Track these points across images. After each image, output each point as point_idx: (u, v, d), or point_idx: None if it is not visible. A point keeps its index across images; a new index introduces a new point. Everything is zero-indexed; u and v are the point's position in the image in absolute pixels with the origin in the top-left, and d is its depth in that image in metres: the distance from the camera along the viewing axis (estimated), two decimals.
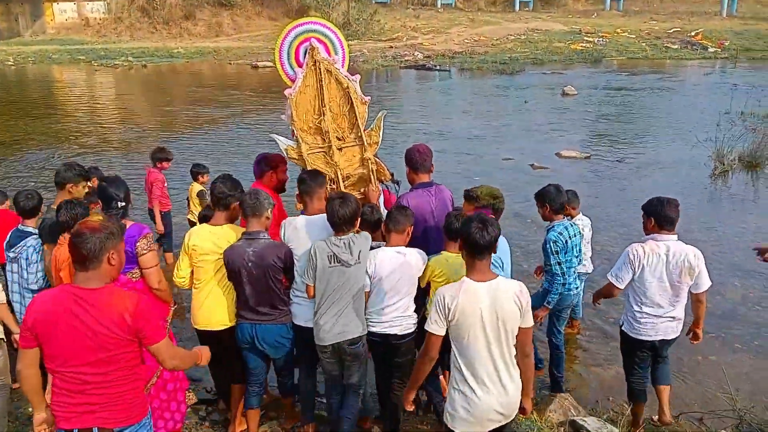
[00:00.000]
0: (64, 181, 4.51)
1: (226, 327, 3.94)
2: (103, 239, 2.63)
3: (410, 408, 3.36)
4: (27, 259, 4.32)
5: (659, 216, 4.02)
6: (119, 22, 38.50)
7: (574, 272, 4.79)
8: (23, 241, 4.38)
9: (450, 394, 3.17)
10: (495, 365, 3.02)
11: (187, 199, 7.49)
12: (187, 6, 37.92)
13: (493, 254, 3.13)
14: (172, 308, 3.82)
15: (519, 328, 3.03)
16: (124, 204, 3.70)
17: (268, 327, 3.88)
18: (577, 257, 4.78)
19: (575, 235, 4.69)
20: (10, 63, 29.17)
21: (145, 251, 3.60)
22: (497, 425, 3.14)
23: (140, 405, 2.79)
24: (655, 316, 4.12)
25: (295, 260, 3.90)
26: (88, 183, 4.80)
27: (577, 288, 4.92)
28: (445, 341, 4.05)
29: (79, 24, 38.92)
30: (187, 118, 17.10)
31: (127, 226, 3.55)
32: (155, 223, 7.29)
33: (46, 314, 2.61)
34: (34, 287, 4.28)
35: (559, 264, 4.55)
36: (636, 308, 4.15)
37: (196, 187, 7.28)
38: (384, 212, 4.57)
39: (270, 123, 15.50)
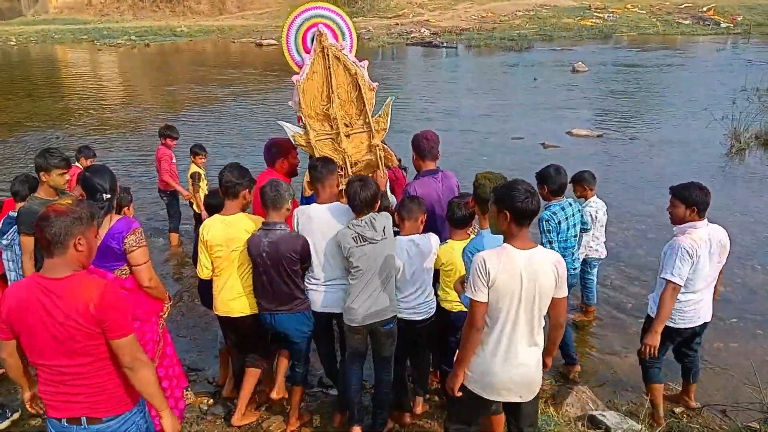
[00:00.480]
0: (37, 169, 4.21)
1: (244, 315, 3.94)
2: (69, 224, 2.45)
3: (459, 394, 3.15)
4: (20, 245, 4.14)
5: (702, 204, 3.89)
6: (122, 1, 38.13)
7: (572, 254, 4.68)
8: (13, 227, 4.19)
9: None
10: (520, 336, 2.96)
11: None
12: None
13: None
14: (167, 304, 3.57)
15: (553, 298, 2.99)
16: (109, 196, 3.43)
17: (284, 317, 3.89)
18: (575, 237, 4.68)
19: (572, 215, 4.60)
20: (12, 43, 28.92)
21: (134, 248, 3.32)
22: (516, 399, 3.07)
23: (123, 395, 2.63)
24: (699, 301, 4.03)
25: (311, 250, 3.87)
26: (76, 165, 4.52)
27: (575, 269, 4.78)
28: (438, 335, 4.08)
29: (82, 3, 38.58)
30: (190, 97, 16.87)
31: (114, 221, 3.32)
32: (178, 197, 7.26)
33: (18, 304, 2.49)
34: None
35: (550, 243, 4.45)
36: (681, 298, 3.99)
37: (192, 168, 7.15)
38: (391, 196, 4.53)
39: (273, 102, 15.28)
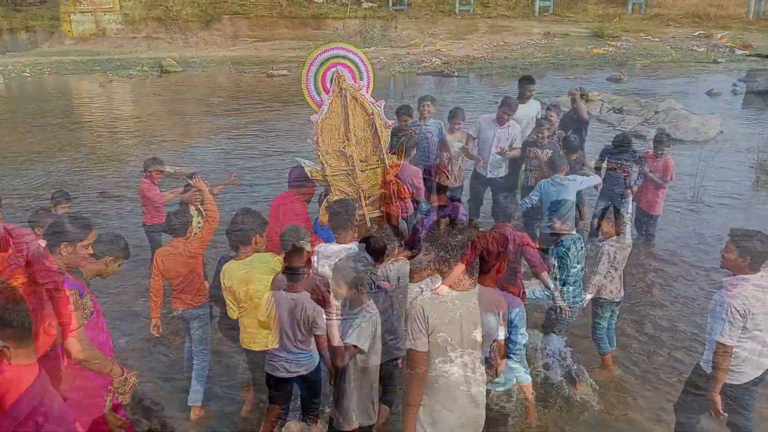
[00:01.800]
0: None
1: (264, 350, 4.28)
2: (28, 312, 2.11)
3: None
4: None
5: (758, 257, 3.54)
6: (136, 32, 38.51)
7: (579, 285, 4.73)
8: None
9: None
10: (466, 379, 2.82)
11: None
12: (204, 16, 37.83)
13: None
14: (118, 379, 2.98)
15: (494, 341, 2.92)
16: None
17: (303, 354, 4.18)
18: (582, 270, 4.74)
19: (581, 249, 4.64)
20: (26, 74, 29.11)
21: None
22: None
23: None
24: (756, 350, 3.68)
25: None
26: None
27: (581, 301, 4.71)
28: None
29: (97, 35, 39.00)
30: (199, 127, 16.68)
31: None
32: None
33: None
34: None
35: (556, 279, 4.55)
36: (746, 345, 3.62)
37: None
38: (402, 223, 4.86)
39: (282, 131, 15.02)
